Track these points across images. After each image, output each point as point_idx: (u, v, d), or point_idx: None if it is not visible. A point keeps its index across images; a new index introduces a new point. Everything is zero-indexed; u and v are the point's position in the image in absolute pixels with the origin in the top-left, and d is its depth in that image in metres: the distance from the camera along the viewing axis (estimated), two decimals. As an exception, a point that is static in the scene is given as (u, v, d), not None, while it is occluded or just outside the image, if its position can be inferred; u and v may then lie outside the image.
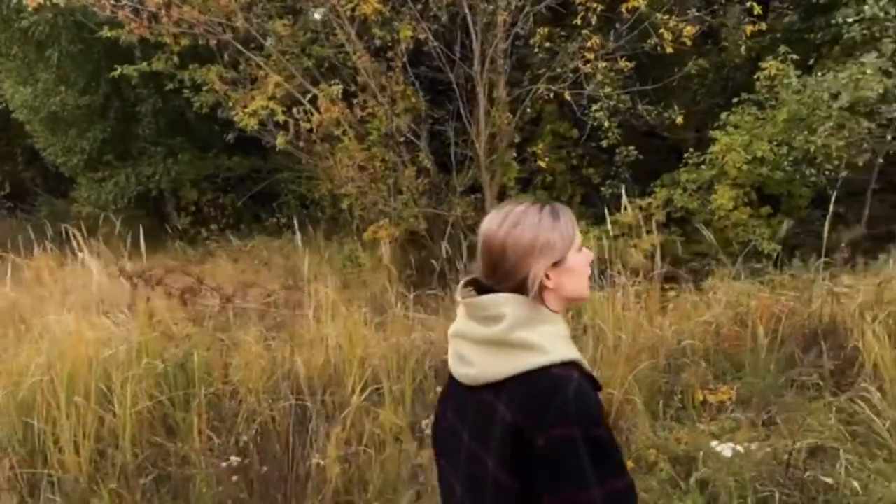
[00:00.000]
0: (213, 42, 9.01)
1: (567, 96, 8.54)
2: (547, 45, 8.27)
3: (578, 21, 8.15)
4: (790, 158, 6.58)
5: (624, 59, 8.20)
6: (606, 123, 7.85)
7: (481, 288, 1.48)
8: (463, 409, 1.49)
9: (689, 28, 7.40)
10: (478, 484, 1.42)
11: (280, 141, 8.66)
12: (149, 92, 12.44)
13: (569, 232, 1.47)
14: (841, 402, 3.48)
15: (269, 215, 13.40)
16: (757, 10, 7.56)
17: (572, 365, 1.39)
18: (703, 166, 7.53)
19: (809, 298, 4.06)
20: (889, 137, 6.18)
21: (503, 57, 8.55)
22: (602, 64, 8.03)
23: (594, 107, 7.74)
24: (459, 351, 1.48)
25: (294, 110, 8.72)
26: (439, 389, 3.36)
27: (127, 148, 13.05)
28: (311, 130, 8.82)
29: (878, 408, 3.47)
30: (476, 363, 1.44)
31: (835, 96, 6.03)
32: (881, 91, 5.79)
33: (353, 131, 9.67)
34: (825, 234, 4.74)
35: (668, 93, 9.40)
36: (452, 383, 1.53)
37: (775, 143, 6.70)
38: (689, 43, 7.46)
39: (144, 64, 9.87)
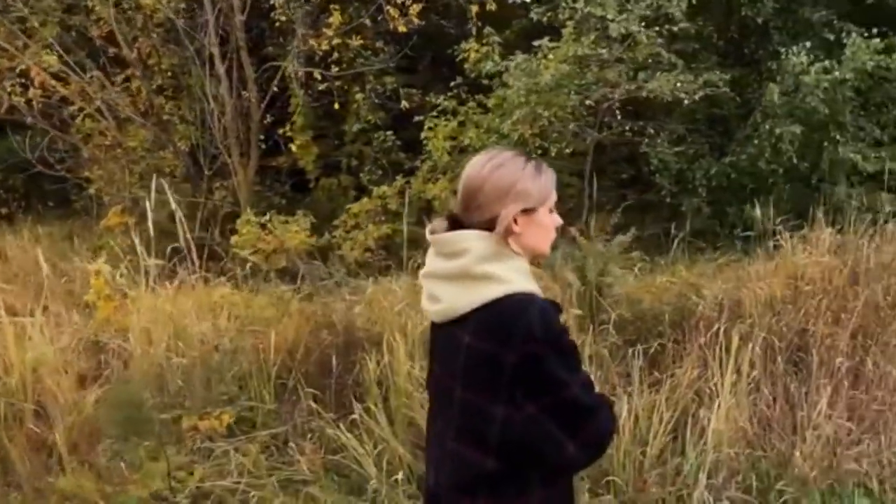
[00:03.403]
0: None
1: (317, 75, 7.96)
2: (283, 19, 7.59)
3: (317, -5, 7.56)
4: (497, 146, 6.17)
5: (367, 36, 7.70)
6: (336, 106, 7.26)
7: (454, 224, 1.53)
8: (435, 347, 1.60)
9: (415, 6, 6.89)
10: (448, 411, 1.53)
11: (-14, 116, 7.69)
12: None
13: (546, 188, 1.54)
14: (329, 430, 3.02)
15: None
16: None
17: (530, 294, 1.47)
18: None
19: (350, 306, 3.61)
20: (572, 126, 5.86)
21: (242, 30, 7.82)
22: (337, 40, 7.44)
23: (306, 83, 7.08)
24: (429, 289, 1.54)
25: (6, 84, 7.73)
26: None
27: None
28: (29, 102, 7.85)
29: (381, 436, 3.04)
30: (443, 298, 1.50)
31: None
32: (550, 77, 5.43)
33: (107, 108, 8.74)
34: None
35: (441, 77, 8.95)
36: (431, 327, 1.60)
37: (483, 129, 6.29)
38: (416, 21, 6.95)
39: None
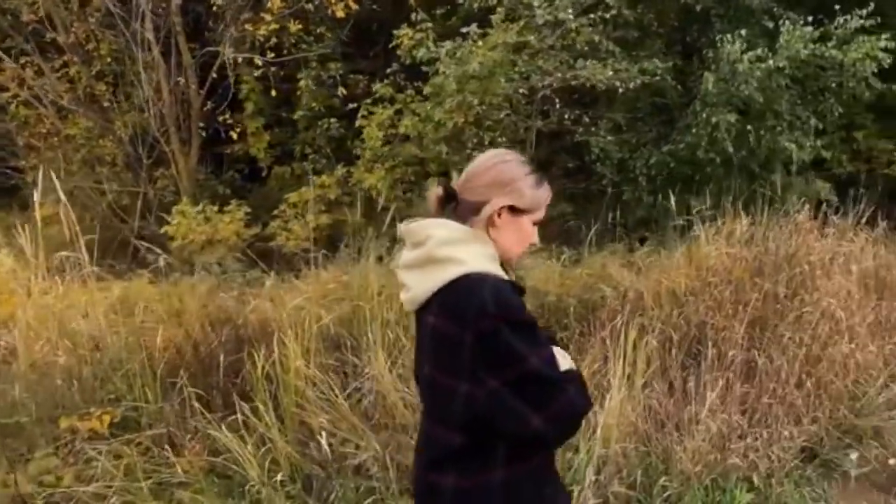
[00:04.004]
0: None
1: (257, 61, 7.79)
2: (220, 2, 7.40)
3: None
4: (432, 136, 6.08)
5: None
6: (273, 93, 7.10)
7: (447, 198, 1.59)
8: (417, 335, 1.63)
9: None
10: (423, 393, 1.62)
11: None
12: None
13: (540, 199, 1.60)
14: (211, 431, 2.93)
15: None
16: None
17: (486, 273, 1.50)
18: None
19: (243, 300, 3.51)
20: (503, 115, 5.78)
21: (178, 14, 7.62)
22: (275, 25, 7.27)
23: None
24: (402, 279, 1.59)
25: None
26: None
27: None
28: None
29: (268, 435, 2.96)
30: (412, 286, 1.55)
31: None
32: (479, 65, 5.33)
33: (46, 95, 8.50)
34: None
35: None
36: (415, 317, 1.64)
37: (420, 118, 6.18)
38: (352, 6, 6.82)
39: None
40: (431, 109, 5.95)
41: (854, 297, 3.43)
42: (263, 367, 3.11)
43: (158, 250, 4.15)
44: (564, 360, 1.54)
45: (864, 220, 4.34)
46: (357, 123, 6.75)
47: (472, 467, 1.50)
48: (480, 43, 5.55)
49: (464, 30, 5.63)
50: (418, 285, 1.52)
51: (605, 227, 6.38)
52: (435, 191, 1.60)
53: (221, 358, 3.14)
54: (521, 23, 5.56)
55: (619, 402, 3.03)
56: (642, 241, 6.52)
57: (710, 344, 3.19)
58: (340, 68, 8.44)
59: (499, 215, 1.54)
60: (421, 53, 5.87)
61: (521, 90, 5.80)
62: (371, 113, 6.72)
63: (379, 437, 3.18)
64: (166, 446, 2.87)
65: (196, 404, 3.02)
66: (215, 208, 6.84)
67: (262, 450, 2.98)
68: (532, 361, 1.45)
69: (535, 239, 1.62)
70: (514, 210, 1.55)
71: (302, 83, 8.22)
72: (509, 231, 1.55)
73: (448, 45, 5.60)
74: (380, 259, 3.80)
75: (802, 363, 3.13)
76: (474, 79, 5.52)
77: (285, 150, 9.30)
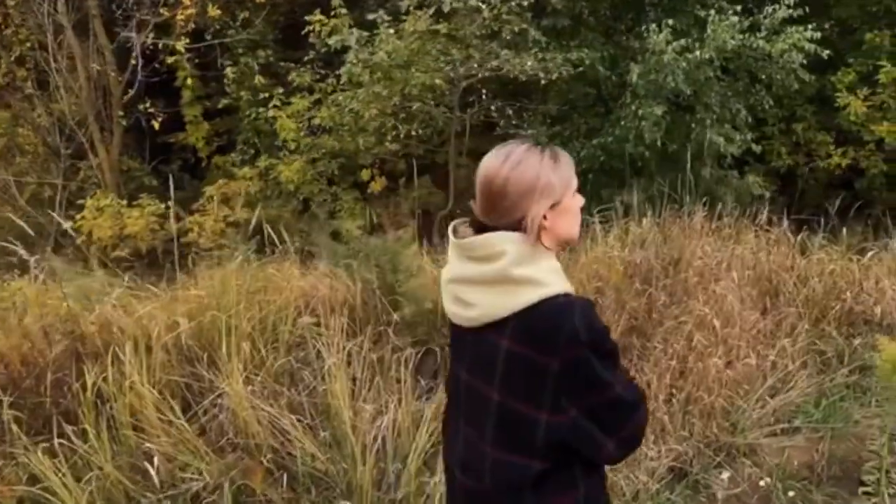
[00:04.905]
0: None
1: (180, 48, 7.44)
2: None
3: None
4: (350, 128, 5.81)
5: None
6: (189, 80, 6.76)
7: (478, 227, 1.48)
8: (462, 351, 1.56)
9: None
10: (481, 415, 1.51)
11: None
12: None
13: (567, 175, 1.49)
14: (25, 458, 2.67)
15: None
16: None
17: (569, 296, 1.44)
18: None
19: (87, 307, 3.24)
20: (415, 106, 5.53)
21: (94, -2, 7.27)
22: (191, 10, 6.93)
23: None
24: (458, 294, 1.49)
25: None
26: None
27: None
28: None
29: (95, 461, 2.70)
30: (478, 304, 1.45)
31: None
32: (385, 55, 5.07)
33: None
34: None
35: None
36: (455, 329, 1.57)
37: (337, 108, 5.91)
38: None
39: None
40: (346, 100, 5.67)
41: (734, 306, 3.24)
42: (94, 384, 2.85)
43: (21, 250, 3.84)
44: None
45: (757, 219, 4.13)
46: (270, 114, 6.44)
47: (555, 489, 1.47)
48: (392, 31, 5.27)
49: (370, 16, 5.35)
50: (492, 304, 1.42)
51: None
52: (463, 231, 1.49)
53: (49, 374, 2.87)
54: (432, 10, 5.29)
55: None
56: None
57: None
58: (270, 55, 8.11)
59: (545, 218, 1.43)
60: (333, 41, 5.58)
61: (437, 80, 5.54)
62: (286, 103, 6.43)
63: (225, 460, 2.95)
64: (-31, 475, 2.61)
65: (14, 427, 2.76)
66: (124, 202, 6.51)
67: (89, 476, 2.73)
68: (616, 389, 1.43)
69: (582, 201, 1.51)
70: (553, 204, 1.45)
71: (227, 71, 7.89)
72: (560, 222, 1.46)
73: (356, 32, 5.32)
74: (247, 262, 3.54)
75: (675, 377, 2.94)
76: (400, 68, 5.25)
77: (231, 140, 8.96)
